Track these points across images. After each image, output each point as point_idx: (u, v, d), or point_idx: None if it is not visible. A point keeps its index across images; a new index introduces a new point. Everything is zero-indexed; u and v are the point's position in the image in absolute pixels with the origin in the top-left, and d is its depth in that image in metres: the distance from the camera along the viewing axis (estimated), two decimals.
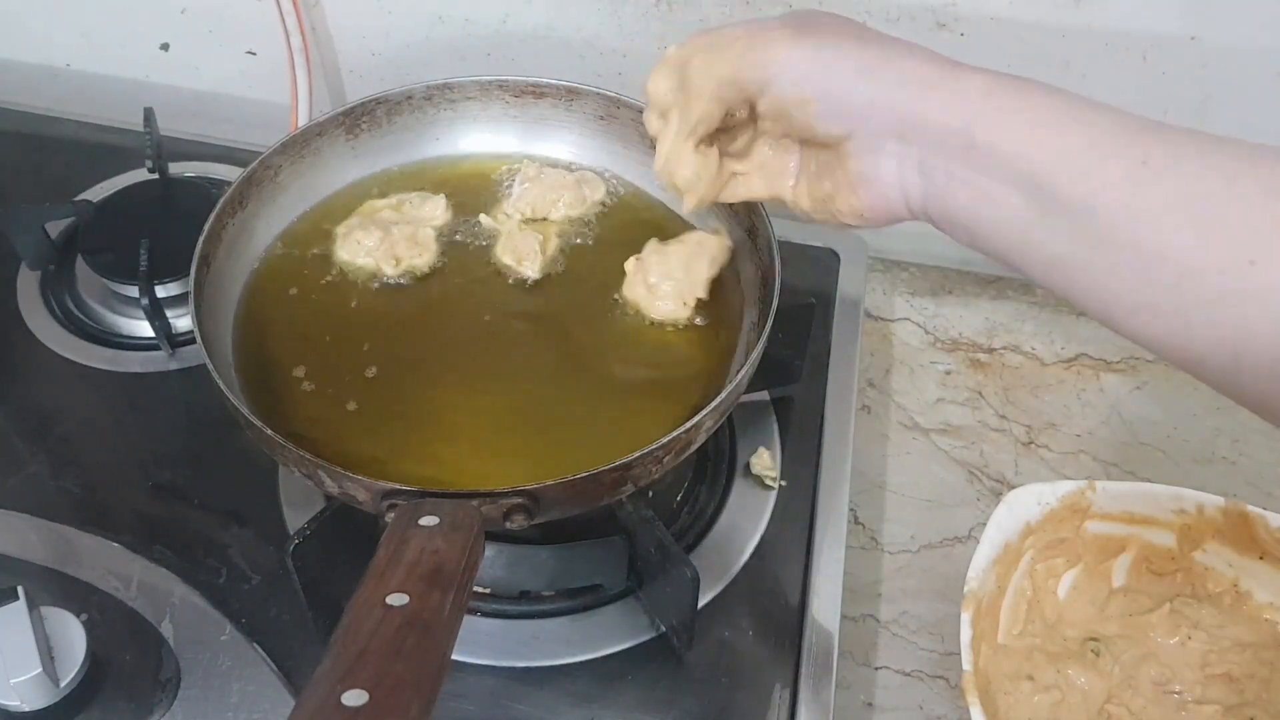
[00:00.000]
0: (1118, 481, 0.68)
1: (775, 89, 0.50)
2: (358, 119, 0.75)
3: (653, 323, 0.68)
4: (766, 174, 0.57)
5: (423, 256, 0.71)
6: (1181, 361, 0.43)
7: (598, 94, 0.75)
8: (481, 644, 0.65)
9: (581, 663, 0.65)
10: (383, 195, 0.75)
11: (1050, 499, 0.66)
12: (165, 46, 1.00)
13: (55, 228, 0.85)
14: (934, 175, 0.47)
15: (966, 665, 0.59)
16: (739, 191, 0.59)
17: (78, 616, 0.61)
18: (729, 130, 0.56)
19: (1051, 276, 0.46)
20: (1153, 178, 0.41)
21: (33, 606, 0.59)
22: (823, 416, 0.78)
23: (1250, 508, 0.65)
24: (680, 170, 0.57)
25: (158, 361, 0.79)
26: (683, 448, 0.59)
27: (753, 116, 0.54)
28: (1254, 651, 0.65)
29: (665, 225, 0.74)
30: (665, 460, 0.58)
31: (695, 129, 0.55)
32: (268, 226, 0.72)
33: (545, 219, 0.73)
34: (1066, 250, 0.44)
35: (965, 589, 0.62)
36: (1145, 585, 0.68)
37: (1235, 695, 0.64)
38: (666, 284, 0.68)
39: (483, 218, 0.74)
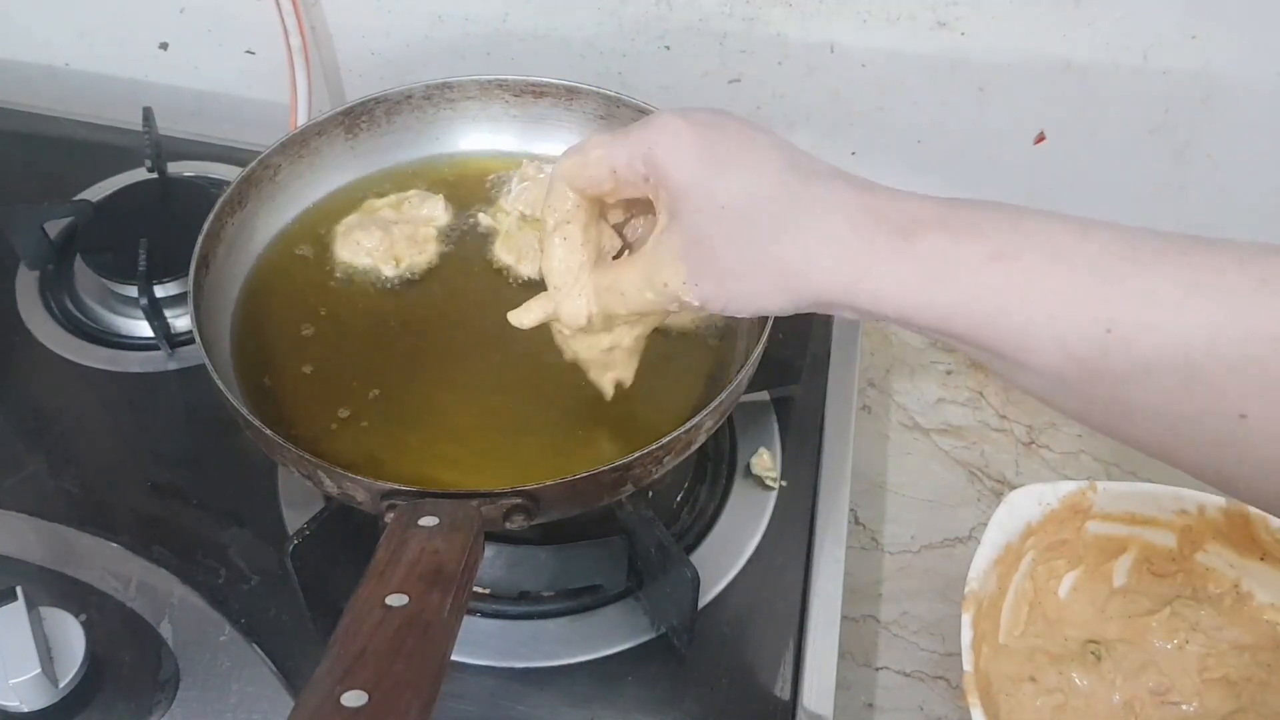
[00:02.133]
0: (1119, 482, 0.67)
1: (682, 308, 0.50)
2: (357, 118, 0.74)
3: None
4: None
5: (422, 256, 0.71)
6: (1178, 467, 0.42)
7: (597, 93, 0.75)
8: (481, 644, 0.65)
9: (581, 663, 0.65)
10: (382, 195, 0.75)
11: (1051, 499, 0.66)
12: (164, 46, 1.00)
13: (54, 227, 0.85)
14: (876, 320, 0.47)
15: (967, 666, 0.59)
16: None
17: (77, 617, 0.61)
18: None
19: (1022, 389, 0.45)
20: (1121, 345, 0.38)
21: (32, 607, 0.59)
22: (823, 417, 0.78)
23: (1252, 508, 0.65)
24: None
25: (157, 361, 0.79)
26: (683, 448, 0.59)
27: None
28: (1251, 654, 0.65)
29: None
30: (665, 460, 0.58)
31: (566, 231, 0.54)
32: (267, 226, 0.72)
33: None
34: (1041, 390, 0.42)
35: (966, 589, 0.61)
36: (1145, 586, 0.68)
37: (1232, 700, 0.63)
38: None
39: (482, 217, 0.74)
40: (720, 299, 0.47)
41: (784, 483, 0.74)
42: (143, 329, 0.79)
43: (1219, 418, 0.37)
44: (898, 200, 0.43)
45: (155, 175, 0.87)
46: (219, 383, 0.58)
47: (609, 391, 0.59)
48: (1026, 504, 0.65)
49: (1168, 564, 0.68)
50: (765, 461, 0.74)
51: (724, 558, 0.70)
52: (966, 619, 0.60)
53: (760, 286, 0.46)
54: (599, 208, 0.54)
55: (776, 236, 0.44)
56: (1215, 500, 0.65)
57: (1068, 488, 0.66)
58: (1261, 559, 0.65)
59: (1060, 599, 0.68)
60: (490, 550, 0.63)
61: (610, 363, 0.58)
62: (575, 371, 0.65)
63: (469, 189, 0.76)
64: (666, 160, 0.47)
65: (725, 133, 0.47)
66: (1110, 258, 0.39)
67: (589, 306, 0.54)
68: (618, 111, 0.75)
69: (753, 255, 0.45)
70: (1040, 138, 0.84)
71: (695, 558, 0.68)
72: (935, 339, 0.44)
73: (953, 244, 0.41)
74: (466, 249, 0.72)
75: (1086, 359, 0.39)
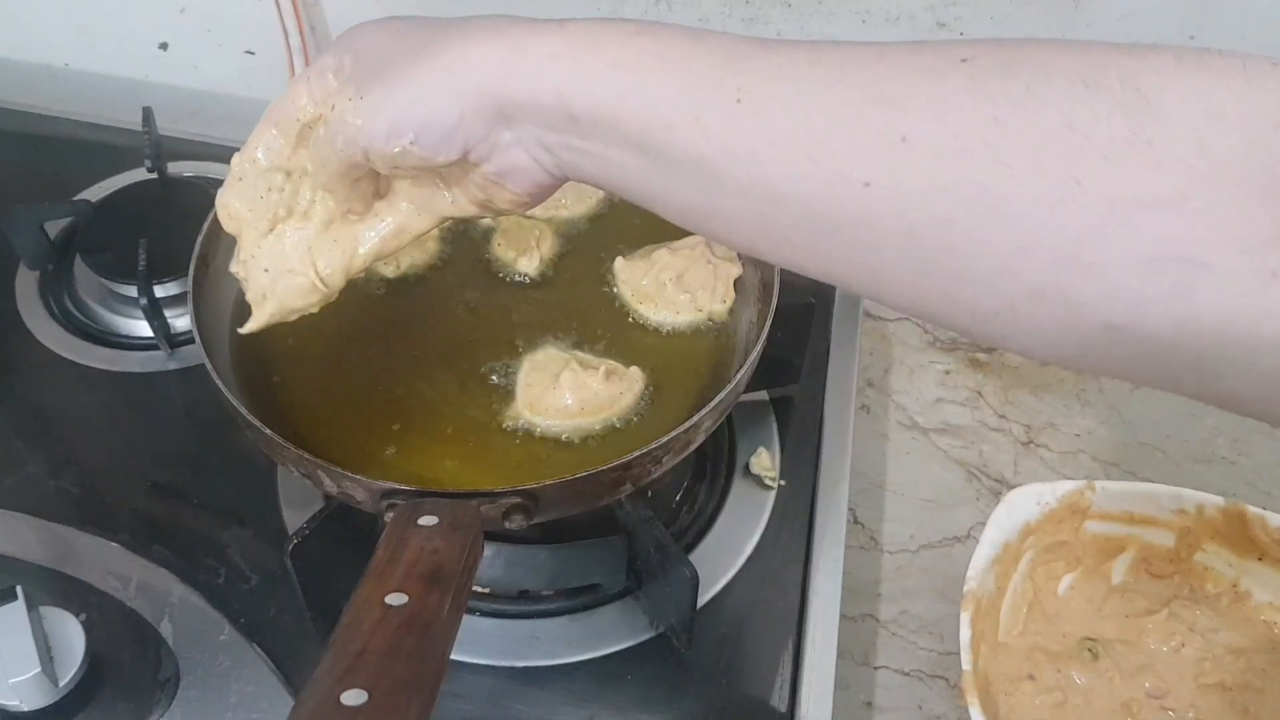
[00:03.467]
0: (1117, 481, 0.68)
1: (375, 154, 0.47)
2: None
3: (650, 322, 0.68)
4: (420, 203, 0.52)
5: (422, 254, 0.71)
6: (835, 284, 0.42)
7: None
8: (480, 644, 0.65)
9: (580, 662, 0.65)
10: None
11: (1050, 499, 0.66)
12: (164, 46, 1.00)
13: (54, 227, 0.85)
14: (555, 150, 0.45)
15: (966, 665, 0.59)
16: (401, 237, 0.54)
17: (76, 616, 0.61)
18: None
19: (690, 224, 0.45)
20: (750, 114, 0.39)
21: (31, 606, 0.59)
22: (822, 416, 0.78)
23: (1250, 508, 0.65)
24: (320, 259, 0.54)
25: (156, 361, 0.79)
26: (682, 447, 0.59)
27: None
28: (1248, 658, 0.65)
29: (665, 225, 0.73)
30: (664, 460, 0.58)
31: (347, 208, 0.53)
32: None
33: (544, 218, 0.73)
34: (693, 200, 0.43)
35: (964, 588, 0.62)
36: (1143, 586, 0.68)
37: (1228, 707, 0.63)
38: (666, 287, 0.68)
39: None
40: (386, 109, 0.46)
41: (783, 482, 0.74)
42: (142, 329, 0.79)
43: (846, 187, 0.37)
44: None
45: (155, 175, 0.87)
46: (219, 382, 0.58)
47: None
48: (1025, 503, 0.65)
49: (1166, 565, 0.68)
50: (764, 461, 0.74)
51: (723, 557, 0.70)
52: (965, 618, 0.60)
53: (427, 86, 0.45)
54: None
55: (443, 42, 0.45)
56: (1214, 500, 0.65)
57: (1066, 487, 0.66)
58: (1260, 559, 0.66)
59: (1058, 596, 0.68)
60: (490, 549, 0.63)
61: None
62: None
63: None
64: (344, 38, 0.49)
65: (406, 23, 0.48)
66: (739, 43, 0.41)
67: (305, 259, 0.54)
68: None
69: (422, 55, 0.45)
70: None
71: (694, 557, 0.68)
72: (591, 154, 0.44)
73: (600, 26, 0.43)
74: (466, 247, 0.72)
75: (718, 134, 0.39)
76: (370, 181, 0.51)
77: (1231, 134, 0.32)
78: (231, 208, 0.54)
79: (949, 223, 0.36)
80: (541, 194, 0.48)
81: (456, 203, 0.51)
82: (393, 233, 0.53)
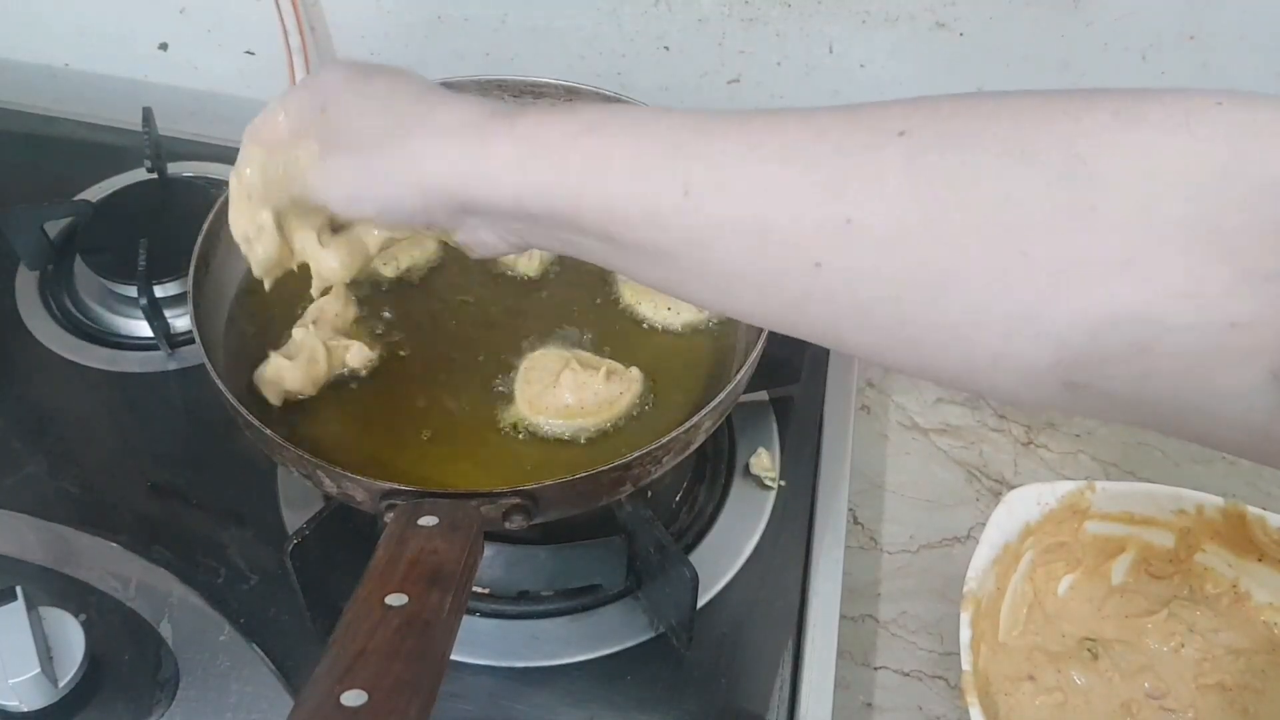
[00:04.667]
0: (1117, 482, 0.67)
1: (335, 209, 0.50)
2: None
3: (650, 322, 0.68)
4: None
5: (422, 255, 0.71)
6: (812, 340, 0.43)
7: (596, 94, 0.75)
8: (480, 644, 0.65)
9: (580, 663, 0.65)
10: None
11: (1050, 499, 0.66)
12: (164, 46, 1.00)
13: (54, 228, 0.85)
14: (520, 234, 0.47)
15: (966, 665, 0.59)
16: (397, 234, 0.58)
17: (76, 617, 0.61)
18: None
19: (656, 289, 0.46)
20: (697, 206, 0.40)
21: (31, 607, 0.59)
22: (822, 416, 0.78)
23: (1250, 509, 0.65)
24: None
25: (156, 361, 0.79)
26: (682, 448, 0.59)
27: None
28: (1247, 659, 0.65)
29: None
30: (664, 460, 0.58)
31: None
32: None
33: None
34: (655, 276, 0.44)
35: (964, 589, 0.62)
36: (1143, 586, 0.68)
37: (1227, 706, 0.63)
38: None
39: None
40: (348, 182, 0.48)
41: (783, 482, 0.74)
42: (142, 329, 0.79)
43: (798, 268, 0.38)
44: (511, 106, 0.47)
45: (155, 175, 0.87)
46: (219, 382, 0.58)
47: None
48: (1025, 504, 0.65)
49: (1166, 565, 0.68)
50: (764, 461, 0.74)
51: (723, 557, 0.70)
52: (965, 618, 0.60)
53: (391, 174, 0.47)
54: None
55: (408, 129, 0.47)
56: (1213, 501, 0.65)
57: (1066, 488, 0.66)
58: (1259, 559, 0.66)
59: (1058, 596, 0.68)
60: (490, 550, 0.63)
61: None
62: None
63: None
64: (325, 76, 0.51)
65: (382, 67, 0.51)
66: (685, 130, 0.41)
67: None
68: None
69: (386, 142, 0.47)
70: None
71: (694, 557, 0.68)
72: (554, 239, 0.46)
73: (550, 123, 0.44)
74: None
75: (670, 225, 0.41)
76: (321, 214, 0.54)
77: (1174, 193, 0.32)
78: (239, 226, 0.55)
79: (899, 300, 0.37)
80: (512, 252, 0.50)
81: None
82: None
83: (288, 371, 0.62)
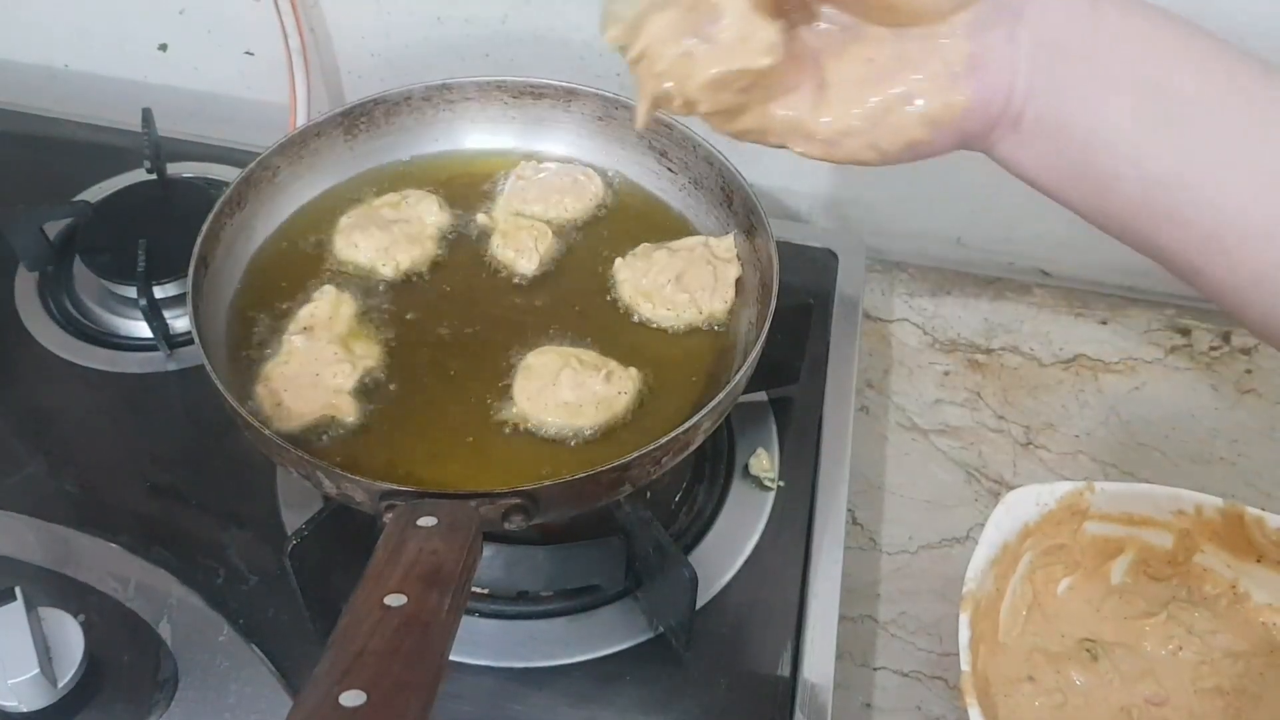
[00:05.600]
0: (1116, 482, 0.67)
1: None
2: (356, 119, 0.75)
3: (650, 322, 0.68)
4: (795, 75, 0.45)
5: (421, 255, 0.71)
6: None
7: (596, 95, 0.75)
8: (480, 644, 0.65)
9: (580, 663, 0.65)
10: (380, 195, 0.75)
11: (1049, 500, 0.66)
12: (164, 47, 1.00)
13: (53, 228, 0.85)
14: (1045, 69, 0.41)
15: (965, 666, 0.59)
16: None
17: (75, 617, 0.61)
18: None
19: (1140, 215, 0.41)
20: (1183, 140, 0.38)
21: (30, 607, 0.59)
22: (821, 417, 0.78)
23: (1248, 509, 0.64)
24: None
25: (156, 362, 0.79)
26: (681, 448, 0.59)
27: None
28: (1245, 661, 0.65)
29: (664, 225, 0.74)
30: (663, 461, 0.58)
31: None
32: (266, 227, 0.72)
33: (543, 218, 0.73)
34: (1172, 169, 0.40)
35: (964, 590, 0.61)
36: (1142, 588, 0.68)
37: (1224, 710, 0.63)
38: (665, 288, 0.68)
39: (480, 216, 0.74)
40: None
41: (782, 483, 0.74)
42: (142, 330, 0.79)
43: None
44: None
45: (154, 176, 0.87)
46: (218, 383, 0.58)
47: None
48: (1024, 504, 0.65)
49: (1164, 567, 0.68)
50: (763, 462, 0.74)
51: (722, 558, 0.70)
52: (964, 619, 0.60)
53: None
54: None
55: None
56: (1212, 501, 0.65)
57: (1065, 488, 0.66)
58: (1258, 560, 0.66)
59: (1057, 596, 0.68)
60: (489, 550, 0.63)
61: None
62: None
63: (467, 189, 0.76)
64: None
65: None
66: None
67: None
68: (616, 113, 0.75)
69: None
70: None
71: (693, 558, 0.68)
72: (1095, 70, 0.41)
73: None
74: (465, 248, 0.73)
75: (1251, 93, 0.40)
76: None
77: None
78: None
79: None
80: (960, 132, 0.44)
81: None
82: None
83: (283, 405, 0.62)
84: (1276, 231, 0.39)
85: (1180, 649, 0.65)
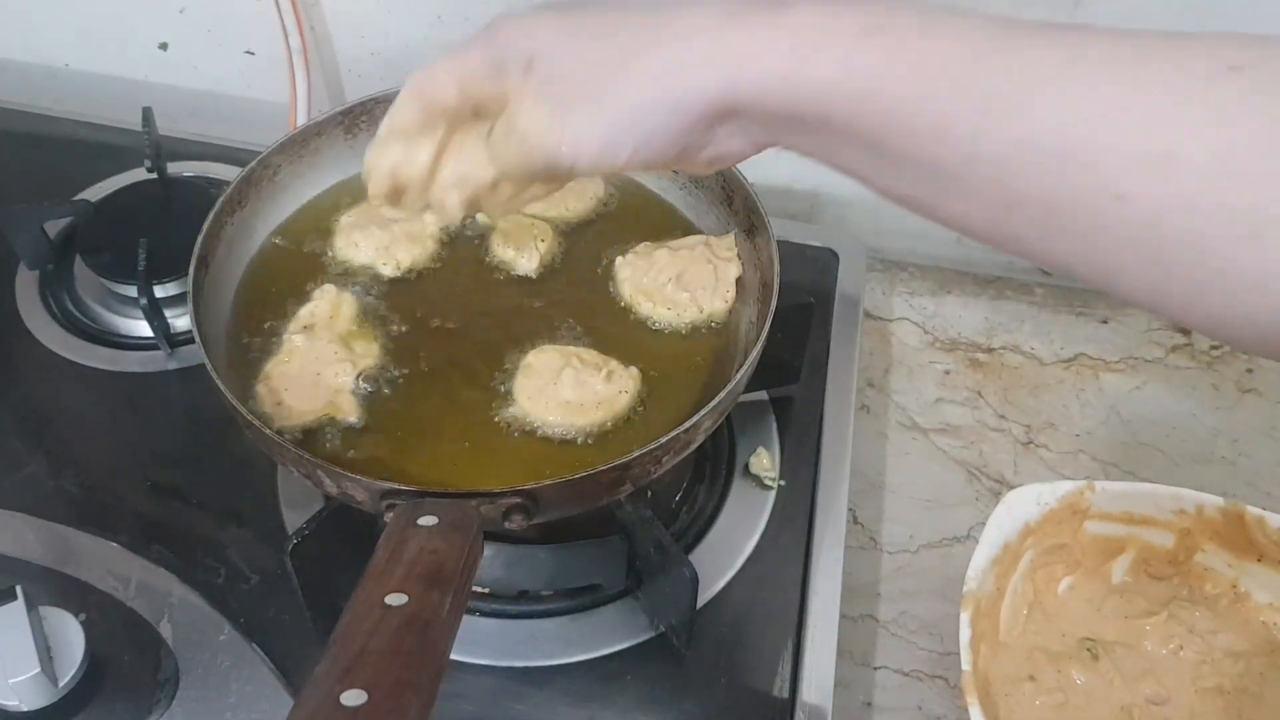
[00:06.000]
0: (1117, 481, 0.67)
1: (582, 167, 0.44)
2: (357, 118, 0.74)
3: (650, 322, 0.68)
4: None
5: (421, 254, 0.71)
6: (1059, 271, 0.41)
7: None
8: (480, 644, 0.65)
9: (580, 663, 0.65)
10: None
11: (1049, 499, 0.66)
12: (164, 46, 1.00)
13: (54, 227, 0.85)
14: (778, 138, 0.43)
15: (966, 665, 0.59)
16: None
17: (76, 616, 0.61)
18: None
19: (909, 208, 0.42)
20: (997, 122, 0.36)
21: (31, 606, 0.59)
22: (822, 416, 0.78)
23: (1249, 509, 0.65)
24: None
25: (156, 361, 0.79)
26: (681, 447, 0.59)
27: None
28: (1246, 661, 0.65)
29: (664, 224, 0.74)
30: (664, 460, 0.58)
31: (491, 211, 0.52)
32: (266, 226, 0.72)
33: (543, 217, 0.73)
34: (921, 194, 0.41)
35: (964, 589, 0.62)
36: (1143, 587, 0.68)
37: (1225, 710, 0.63)
38: (666, 287, 0.68)
39: (480, 215, 0.74)
40: (599, 130, 0.43)
41: (782, 482, 0.74)
42: (142, 329, 0.79)
43: (1097, 198, 0.36)
44: None
45: (155, 175, 0.87)
46: (219, 382, 0.58)
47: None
48: (1025, 504, 0.65)
49: (1165, 566, 0.68)
50: (764, 461, 0.74)
51: (723, 557, 0.70)
52: (965, 618, 0.60)
53: (644, 103, 0.42)
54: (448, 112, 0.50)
55: (645, 46, 0.42)
56: (1213, 500, 0.65)
57: (1066, 487, 0.66)
58: (1259, 560, 0.66)
59: (1058, 595, 0.68)
60: (489, 549, 0.63)
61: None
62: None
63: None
64: (509, 32, 0.45)
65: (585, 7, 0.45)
66: (984, 35, 0.38)
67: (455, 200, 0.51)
68: None
69: (623, 73, 0.42)
70: None
71: (694, 557, 0.68)
72: (815, 143, 0.42)
73: (825, 16, 0.39)
74: (464, 246, 0.72)
75: (960, 142, 0.38)
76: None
77: None
78: (376, 167, 0.53)
79: (1204, 238, 0.35)
80: (756, 153, 0.46)
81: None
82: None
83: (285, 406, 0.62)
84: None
85: (1181, 648, 0.65)
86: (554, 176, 0.47)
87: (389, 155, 0.52)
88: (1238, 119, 0.34)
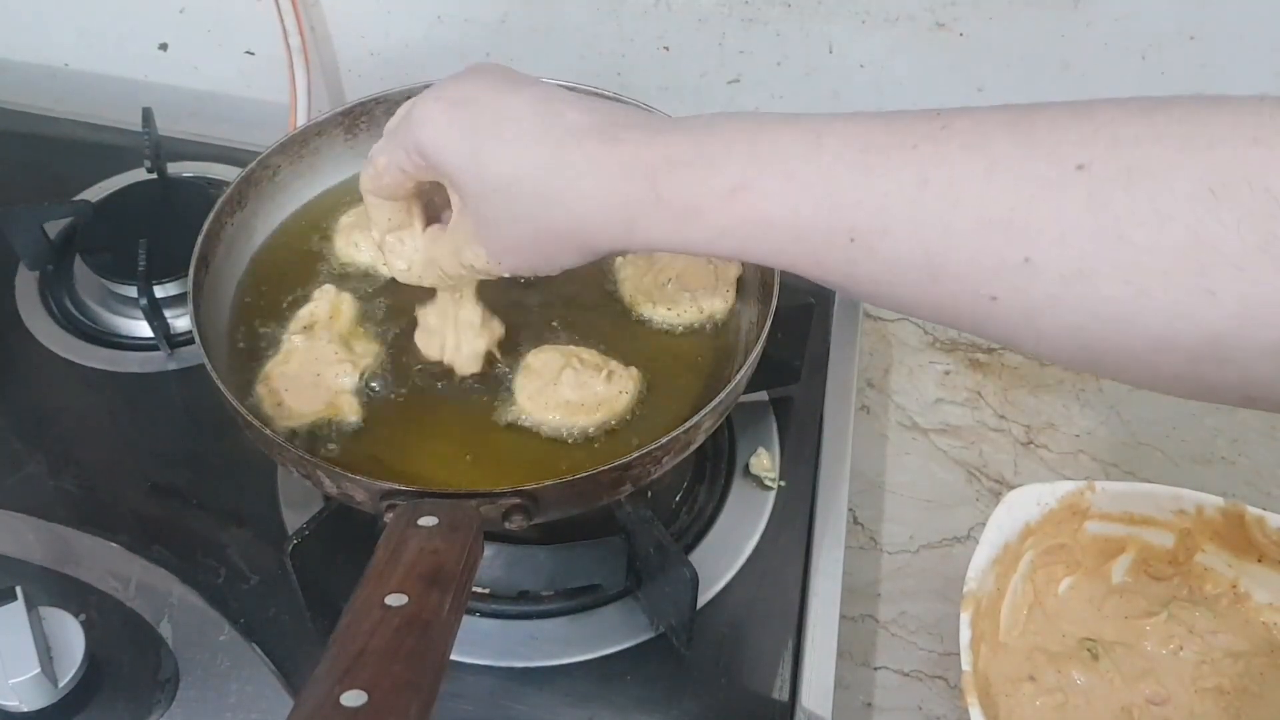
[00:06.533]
0: (1117, 482, 0.67)
1: (495, 274, 0.53)
2: (357, 119, 0.74)
3: (650, 322, 0.68)
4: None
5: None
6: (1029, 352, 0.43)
7: (597, 94, 0.75)
8: (480, 644, 0.65)
9: (580, 663, 0.65)
10: None
11: (1050, 499, 0.66)
12: (164, 46, 1.00)
13: (54, 228, 0.85)
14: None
15: (966, 665, 0.59)
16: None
17: (76, 617, 0.61)
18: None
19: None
20: (866, 251, 0.40)
21: (31, 607, 0.59)
22: (822, 417, 0.78)
23: (1249, 509, 0.65)
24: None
25: (156, 362, 0.79)
26: (682, 448, 0.59)
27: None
28: (1246, 661, 0.65)
29: None
30: (664, 460, 0.58)
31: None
32: (266, 226, 0.72)
33: None
34: (832, 287, 0.44)
35: (964, 589, 0.62)
36: (1143, 587, 0.68)
37: (1224, 710, 0.63)
38: (667, 287, 0.68)
39: None
40: (528, 267, 0.51)
41: (783, 483, 0.74)
42: (142, 329, 0.79)
43: (972, 300, 0.39)
44: (652, 140, 0.45)
45: (155, 175, 0.87)
46: (219, 383, 0.58)
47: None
48: (1025, 504, 0.65)
49: (1165, 567, 0.68)
50: (764, 461, 0.74)
51: (723, 557, 0.70)
52: (965, 618, 0.60)
53: (554, 252, 0.49)
54: (415, 190, 0.56)
55: (546, 210, 0.47)
56: (1213, 501, 0.65)
57: (1066, 488, 0.66)
58: (1259, 560, 0.66)
59: (1058, 595, 0.68)
60: (489, 550, 0.63)
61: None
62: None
63: None
64: (432, 150, 0.49)
65: (479, 107, 0.48)
66: (842, 167, 0.40)
67: (416, 271, 0.59)
68: None
69: (533, 229, 0.48)
70: None
71: (694, 557, 0.68)
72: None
73: (696, 184, 0.43)
74: None
75: (838, 269, 0.41)
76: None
77: None
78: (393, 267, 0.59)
79: (1080, 328, 0.37)
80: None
81: None
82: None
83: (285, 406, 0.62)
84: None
85: (1181, 648, 0.65)
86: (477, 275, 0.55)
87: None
88: (1088, 221, 0.36)
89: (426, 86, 0.74)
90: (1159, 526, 0.67)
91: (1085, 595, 0.68)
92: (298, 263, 0.71)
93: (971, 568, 0.62)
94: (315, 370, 0.63)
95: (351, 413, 0.62)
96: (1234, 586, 0.67)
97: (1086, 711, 0.63)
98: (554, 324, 0.67)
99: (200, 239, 0.65)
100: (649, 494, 0.70)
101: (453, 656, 0.45)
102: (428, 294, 0.63)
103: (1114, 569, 0.68)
